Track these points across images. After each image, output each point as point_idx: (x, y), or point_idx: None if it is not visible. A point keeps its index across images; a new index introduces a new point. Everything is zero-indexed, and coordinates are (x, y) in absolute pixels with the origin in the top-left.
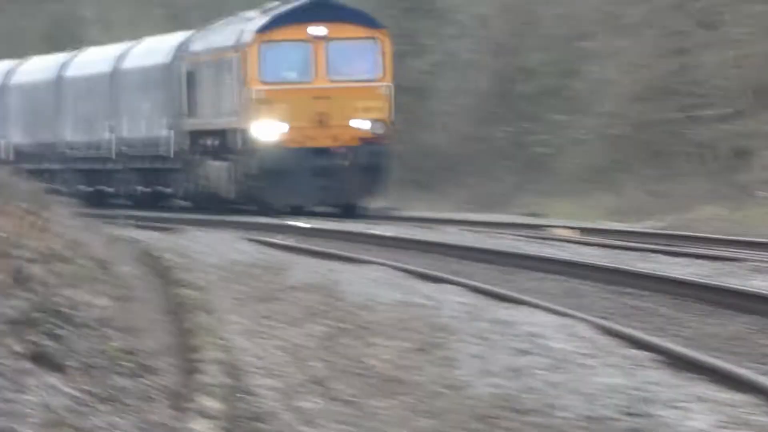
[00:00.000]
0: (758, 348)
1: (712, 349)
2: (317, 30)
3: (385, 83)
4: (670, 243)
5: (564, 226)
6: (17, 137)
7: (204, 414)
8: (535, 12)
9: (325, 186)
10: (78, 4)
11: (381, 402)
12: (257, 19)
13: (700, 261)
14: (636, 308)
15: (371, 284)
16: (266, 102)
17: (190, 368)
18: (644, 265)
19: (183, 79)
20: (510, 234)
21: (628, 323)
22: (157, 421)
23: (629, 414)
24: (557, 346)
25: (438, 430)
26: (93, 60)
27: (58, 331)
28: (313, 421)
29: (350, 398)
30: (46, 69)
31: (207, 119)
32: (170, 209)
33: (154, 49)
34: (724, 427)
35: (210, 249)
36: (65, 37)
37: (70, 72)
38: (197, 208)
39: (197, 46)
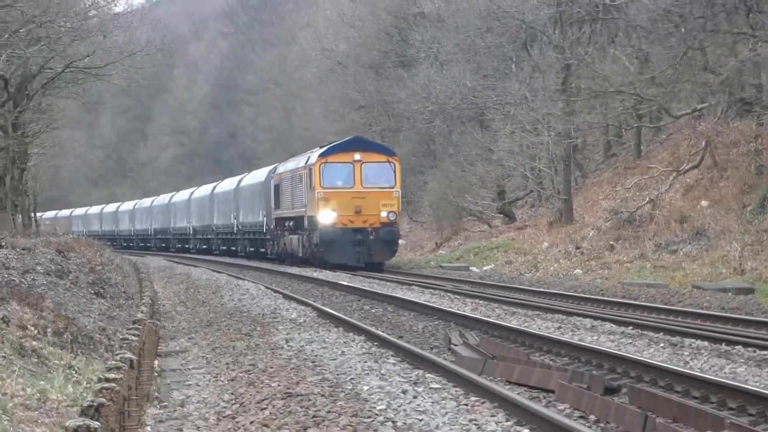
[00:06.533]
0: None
1: (305, 295)
2: (356, 156)
3: (396, 189)
4: None
5: None
6: (194, 223)
7: (141, 309)
8: None
9: (359, 251)
10: None
11: (201, 308)
12: (318, 150)
13: None
14: (276, 281)
15: (207, 273)
16: (324, 199)
17: (141, 296)
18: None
19: (272, 189)
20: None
21: (276, 287)
22: (133, 308)
23: (272, 313)
24: (254, 292)
25: (213, 316)
26: (227, 183)
27: (104, 286)
28: (181, 313)
29: (191, 307)
30: (206, 189)
31: (287, 210)
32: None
33: (256, 175)
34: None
35: (152, 261)
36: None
37: (216, 191)
38: (266, 259)
39: (280, 169)
